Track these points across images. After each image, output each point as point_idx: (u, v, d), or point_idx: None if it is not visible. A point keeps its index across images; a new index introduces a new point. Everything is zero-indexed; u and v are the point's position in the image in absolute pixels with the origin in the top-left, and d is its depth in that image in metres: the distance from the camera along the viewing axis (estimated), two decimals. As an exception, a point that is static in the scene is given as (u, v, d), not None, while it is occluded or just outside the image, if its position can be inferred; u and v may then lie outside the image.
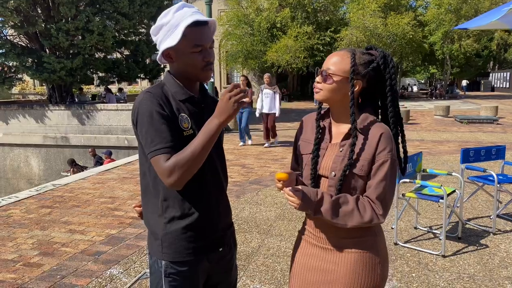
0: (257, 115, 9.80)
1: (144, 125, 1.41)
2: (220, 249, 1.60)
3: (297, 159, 1.69)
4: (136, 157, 9.24)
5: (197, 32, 1.44)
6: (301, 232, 1.69)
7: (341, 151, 1.52)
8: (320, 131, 1.59)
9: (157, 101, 1.43)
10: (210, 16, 12.22)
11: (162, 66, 20.80)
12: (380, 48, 1.56)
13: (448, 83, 35.39)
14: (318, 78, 1.53)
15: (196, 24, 1.43)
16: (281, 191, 1.46)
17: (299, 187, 1.44)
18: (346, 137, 1.53)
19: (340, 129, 1.57)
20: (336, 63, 1.50)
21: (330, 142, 1.57)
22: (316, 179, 1.56)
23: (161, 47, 1.48)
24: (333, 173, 1.50)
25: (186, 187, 1.47)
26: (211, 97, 1.69)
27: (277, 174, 1.44)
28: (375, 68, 1.51)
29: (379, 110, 1.62)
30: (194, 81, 1.55)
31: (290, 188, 1.43)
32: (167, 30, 1.45)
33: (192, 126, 1.49)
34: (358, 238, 1.53)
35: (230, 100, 1.35)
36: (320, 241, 1.58)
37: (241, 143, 10.21)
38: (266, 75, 9.99)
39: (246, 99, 1.39)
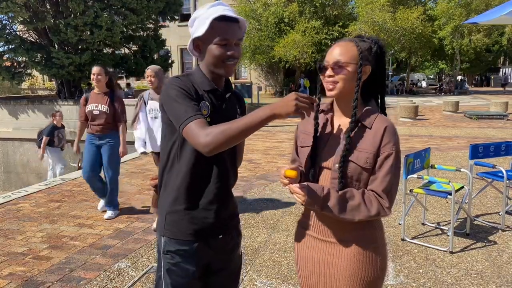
0: (139, 152, 4.48)
1: (174, 102, 1.48)
2: (220, 236, 1.66)
3: (297, 150, 1.69)
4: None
5: (224, 26, 1.52)
6: (301, 224, 1.70)
7: (343, 143, 1.51)
8: (322, 123, 1.59)
9: (183, 83, 1.53)
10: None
11: (170, 62, 20.85)
12: (370, 36, 1.56)
13: (457, 78, 35.05)
14: (329, 72, 1.49)
15: (224, 19, 1.51)
16: (286, 187, 1.46)
17: (306, 183, 1.44)
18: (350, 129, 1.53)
19: (343, 121, 1.56)
20: (344, 52, 1.47)
21: (332, 134, 1.57)
22: (317, 172, 1.56)
23: (192, 37, 1.59)
24: (337, 165, 1.50)
25: (196, 173, 1.57)
26: (235, 93, 1.75)
27: (285, 171, 1.43)
28: (375, 53, 1.52)
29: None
30: (218, 74, 1.60)
31: (296, 184, 1.43)
32: (199, 22, 1.55)
33: (210, 114, 1.55)
34: (359, 231, 1.54)
35: (294, 101, 1.34)
36: (321, 234, 1.60)
37: (100, 205, 5.05)
38: (149, 71, 4.30)
39: (306, 112, 1.36)
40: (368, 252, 1.54)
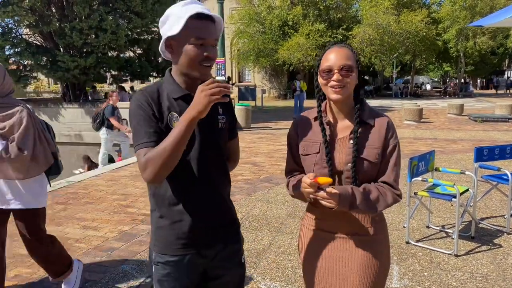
0: None
1: (132, 121, 1.46)
2: (213, 246, 1.60)
3: (295, 160, 1.70)
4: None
5: (201, 25, 1.44)
6: (307, 223, 1.72)
7: (351, 143, 1.56)
8: (324, 129, 1.61)
9: (145, 98, 1.47)
10: (222, 14, 12.18)
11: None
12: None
13: (462, 81, 34.94)
14: (337, 76, 1.51)
15: (200, 17, 1.44)
16: (312, 196, 1.46)
17: (335, 189, 1.44)
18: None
19: (344, 124, 1.61)
20: (349, 57, 1.53)
21: (336, 137, 1.61)
22: (334, 175, 1.59)
23: (164, 36, 1.50)
24: (349, 165, 1.55)
25: (173, 185, 1.51)
26: None
27: (318, 179, 1.42)
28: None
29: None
30: (192, 78, 1.51)
31: (326, 192, 1.44)
32: (172, 21, 1.46)
33: None
34: (370, 223, 1.61)
35: (202, 92, 1.30)
36: (330, 229, 1.63)
37: None
38: None
39: (223, 92, 1.29)
40: (379, 243, 1.62)
